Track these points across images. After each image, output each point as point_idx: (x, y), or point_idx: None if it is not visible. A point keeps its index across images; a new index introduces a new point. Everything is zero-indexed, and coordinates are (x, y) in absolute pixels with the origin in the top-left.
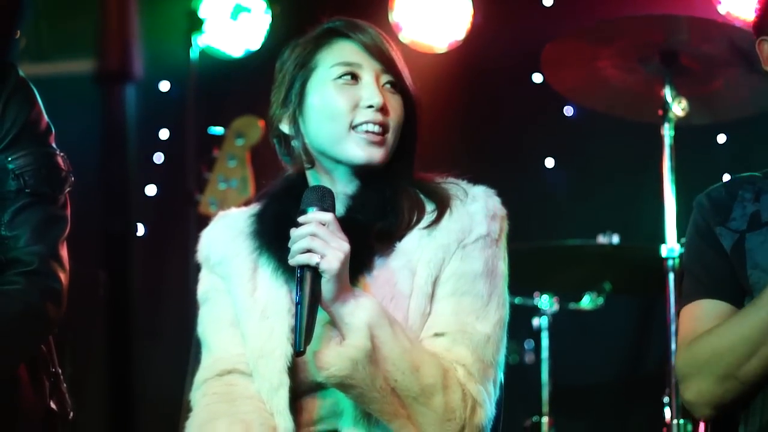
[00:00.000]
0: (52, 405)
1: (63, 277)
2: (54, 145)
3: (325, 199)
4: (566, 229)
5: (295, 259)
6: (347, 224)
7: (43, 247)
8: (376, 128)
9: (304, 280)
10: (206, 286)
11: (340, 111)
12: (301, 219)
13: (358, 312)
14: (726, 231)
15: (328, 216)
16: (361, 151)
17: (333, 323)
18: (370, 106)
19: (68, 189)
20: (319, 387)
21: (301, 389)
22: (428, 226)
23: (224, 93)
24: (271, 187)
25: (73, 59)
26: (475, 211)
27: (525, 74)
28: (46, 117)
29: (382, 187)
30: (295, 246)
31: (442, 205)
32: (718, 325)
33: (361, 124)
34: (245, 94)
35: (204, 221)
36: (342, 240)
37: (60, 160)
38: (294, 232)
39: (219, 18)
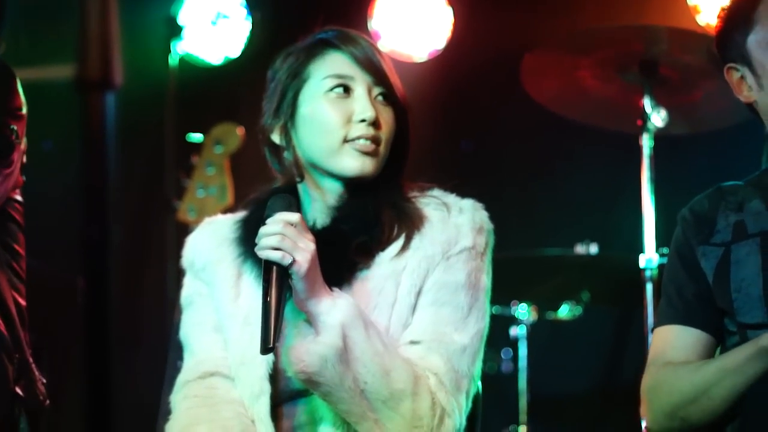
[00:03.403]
0: (18, 390)
1: None
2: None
3: (291, 208)
4: (544, 238)
5: (266, 254)
6: (331, 234)
7: None
8: (368, 143)
9: (272, 277)
10: (190, 290)
11: (333, 125)
12: (269, 220)
13: (333, 311)
14: (710, 249)
15: (295, 216)
16: (354, 162)
17: (310, 321)
18: (363, 120)
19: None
20: (299, 394)
21: (282, 397)
22: (397, 253)
23: (203, 100)
24: (258, 193)
25: (52, 65)
26: (462, 223)
27: (504, 84)
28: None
29: (367, 199)
30: (263, 241)
31: (409, 230)
32: (682, 364)
33: (354, 138)
34: (225, 102)
35: (182, 228)
36: (309, 240)
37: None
38: (262, 230)
39: (198, 25)
